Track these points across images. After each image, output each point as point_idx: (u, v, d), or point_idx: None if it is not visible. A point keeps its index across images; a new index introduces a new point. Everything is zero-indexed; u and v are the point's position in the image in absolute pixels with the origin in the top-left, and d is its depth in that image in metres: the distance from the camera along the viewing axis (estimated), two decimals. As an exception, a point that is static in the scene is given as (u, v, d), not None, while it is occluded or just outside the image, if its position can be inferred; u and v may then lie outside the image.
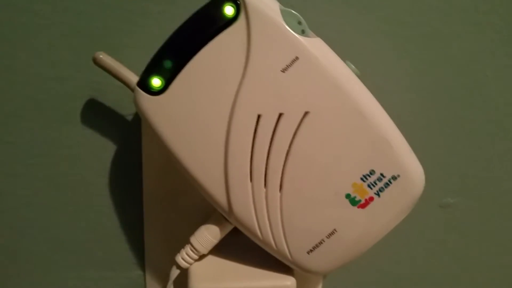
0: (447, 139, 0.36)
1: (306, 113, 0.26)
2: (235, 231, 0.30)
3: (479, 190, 0.37)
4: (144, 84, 0.27)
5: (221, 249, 0.31)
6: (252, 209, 0.27)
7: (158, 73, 0.27)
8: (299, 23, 0.26)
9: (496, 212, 0.38)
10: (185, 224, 0.34)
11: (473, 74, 0.35)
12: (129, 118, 0.34)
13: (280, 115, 0.26)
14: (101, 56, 0.30)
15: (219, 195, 0.27)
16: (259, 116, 0.26)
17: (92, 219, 0.37)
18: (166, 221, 0.36)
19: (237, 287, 0.29)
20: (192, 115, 0.27)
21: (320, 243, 0.27)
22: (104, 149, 0.35)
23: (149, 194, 0.35)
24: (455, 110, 0.35)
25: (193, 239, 0.30)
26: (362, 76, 0.27)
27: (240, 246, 0.31)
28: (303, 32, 0.26)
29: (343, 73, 0.26)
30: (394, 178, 0.26)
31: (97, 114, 0.34)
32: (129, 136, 0.35)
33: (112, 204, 0.37)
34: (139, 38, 0.32)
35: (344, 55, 0.27)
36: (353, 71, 0.27)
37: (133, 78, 0.28)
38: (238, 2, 0.26)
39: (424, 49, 0.34)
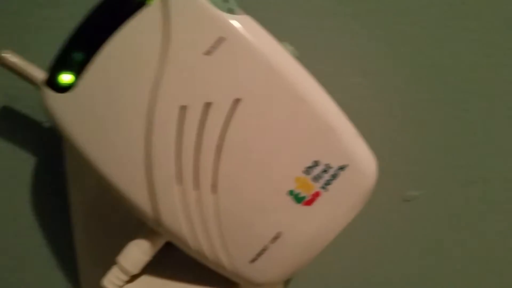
0: (403, 126, 0.33)
1: (237, 101, 0.23)
2: (170, 244, 0.26)
3: (444, 180, 0.34)
4: (52, 82, 0.24)
5: (155, 267, 0.27)
6: (183, 217, 0.23)
7: (68, 67, 0.23)
8: (226, 0, 0.23)
9: (464, 203, 0.35)
10: (121, 242, 0.30)
11: (429, 51, 0.32)
12: (48, 125, 0.30)
13: (208, 104, 0.23)
14: (4, 54, 0.26)
15: (143, 203, 0.24)
16: (183, 108, 0.23)
17: (17, 244, 0.32)
18: (100, 240, 0.32)
19: (175, 310, 0.25)
20: (106, 112, 0.23)
21: (264, 249, 0.24)
22: (20, 163, 0.31)
23: (77, 211, 0.31)
24: (411, 93, 0.33)
25: (121, 258, 0.26)
26: (304, 59, 0.25)
27: (178, 261, 0.27)
28: (230, 11, 0.23)
29: (277, 53, 0.23)
30: (341, 168, 0.23)
31: (9, 124, 0.30)
32: (49, 146, 0.31)
33: (38, 226, 0.32)
34: (51, 33, 0.29)
35: (282, 36, 0.24)
36: (290, 52, 0.24)
37: (43, 77, 0.25)
38: (154, -20, 0.23)
39: (371, 26, 0.31)
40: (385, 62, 0.32)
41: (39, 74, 0.25)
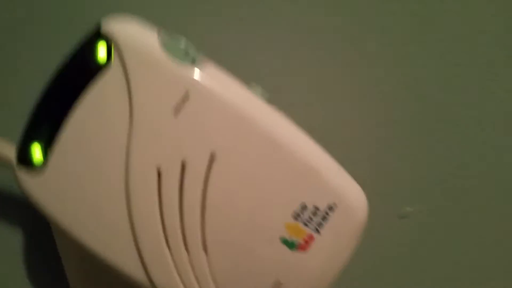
0: (385, 143, 0.32)
1: (213, 156, 0.22)
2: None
3: (436, 192, 0.34)
4: (22, 159, 0.23)
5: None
6: (178, 281, 0.23)
7: (37, 141, 0.23)
8: (187, 52, 0.22)
9: (461, 213, 0.34)
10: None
11: (405, 64, 0.31)
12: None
13: (184, 163, 0.22)
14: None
15: (135, 272, 0.23)
16: (159, 170, 0.22)
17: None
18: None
19: None
20: (83, 184, 0.22)
21: (267, 302, 0.23)
22: (7, 241, 0.30)
23: (73, 280, 0.30)
24: (387, 110, 0.32)
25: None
26: (275, 98, 0.24)
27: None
28: (193, 61, 0.22)
29: (246, 100, 0.22)
30: (330, 208, 0.22)
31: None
32: (37, 218, 0.30)
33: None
34: (15, 107, 0.28)
35: (249, 77, 0.24)
36: (260, 94, 0.23)
37: (13, 155, 0.24)
38: (110, 43, 0.22)
39: (340, 51, 0.30)
40: (359, 89, 0.31)
41: (9, 152, 0.25)
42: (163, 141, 0.22)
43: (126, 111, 0.22)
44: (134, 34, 0.22)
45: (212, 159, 0.22)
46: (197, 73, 0.22)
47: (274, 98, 0.23)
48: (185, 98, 0.21)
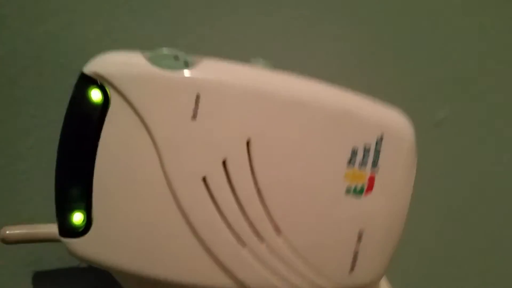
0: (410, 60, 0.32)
1: (248, 142, 0.21)
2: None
3: (467, 93, 0.33)
4: (66, 230, 0.22)
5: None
6: (267, 272, 0.22)
7: (73, 207, 0.22)
8: (176, 57, 0.22)
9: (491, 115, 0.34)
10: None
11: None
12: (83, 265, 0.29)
13: (224, 161, 0.21)
14: (7, 232, 0.24)
15: (224, 282, 0.22)
16: (204, 178, 0.21)
17: None
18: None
19: None
20: (134, 225, 0.22)
21: (356, 253, 0.23)
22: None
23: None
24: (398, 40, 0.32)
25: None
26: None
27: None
28: (186, 65, 0.21)
29: (254, 76, 0.22)
30: (379, 140, 0.22)
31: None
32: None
33: None
34: (33, 185, 0.27)
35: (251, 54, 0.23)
36: (264, 66, 0.23)
37: (55, 230, 0.23)
38: (99, 82, 0.21)
39: None
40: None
41: (51, 229, 0.24)
42: (194, 150, 0.21)
43: (145, 136, 0.21)
44: (118, 63, 0.21)
45: (248, 145, 0.21)
46: (195, 73, 0.21)
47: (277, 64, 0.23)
48: (197, 101, 0.21)
